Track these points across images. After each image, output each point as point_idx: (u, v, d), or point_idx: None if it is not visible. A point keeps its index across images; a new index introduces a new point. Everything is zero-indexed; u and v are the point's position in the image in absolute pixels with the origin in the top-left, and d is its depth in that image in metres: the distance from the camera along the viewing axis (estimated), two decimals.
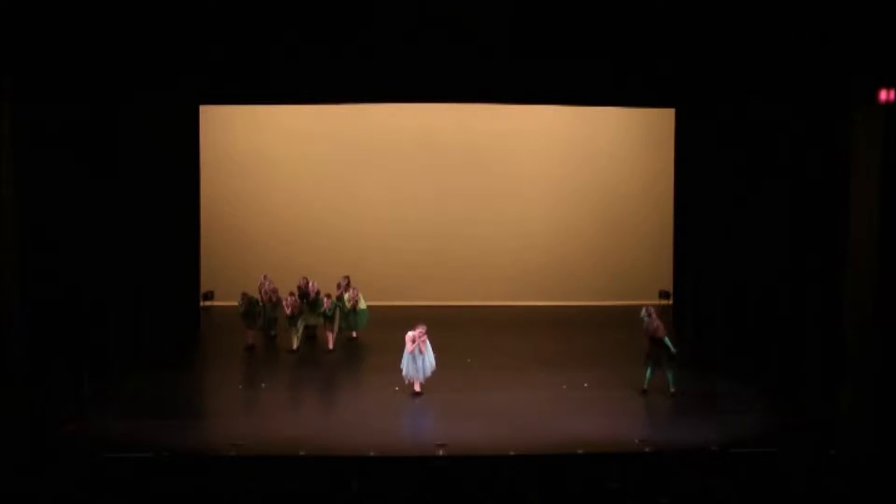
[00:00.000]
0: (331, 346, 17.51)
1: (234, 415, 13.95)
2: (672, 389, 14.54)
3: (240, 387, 15.20)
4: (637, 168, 22.20)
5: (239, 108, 20.98)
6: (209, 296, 21.23)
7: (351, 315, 18.06)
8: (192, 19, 14.05)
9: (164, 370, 16.03)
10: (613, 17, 14.23)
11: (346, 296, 18.01)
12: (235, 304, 17.85)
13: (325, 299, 17.60)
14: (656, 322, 14.55)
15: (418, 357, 14.51)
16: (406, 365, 14.60)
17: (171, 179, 18.19)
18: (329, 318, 17.60)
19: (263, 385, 15.35)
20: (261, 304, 17.99)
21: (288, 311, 17.52)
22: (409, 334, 14.54)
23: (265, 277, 18.54)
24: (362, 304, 18.14)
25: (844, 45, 12.28)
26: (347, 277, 18.40)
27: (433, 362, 14.64)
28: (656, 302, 21.98)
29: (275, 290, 18.29)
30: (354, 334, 18.33)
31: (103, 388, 14.47)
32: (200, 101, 19.11)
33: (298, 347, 17.47)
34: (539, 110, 21.07)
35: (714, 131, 17.54)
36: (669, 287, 21.39)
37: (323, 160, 22.03)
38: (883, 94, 11.64)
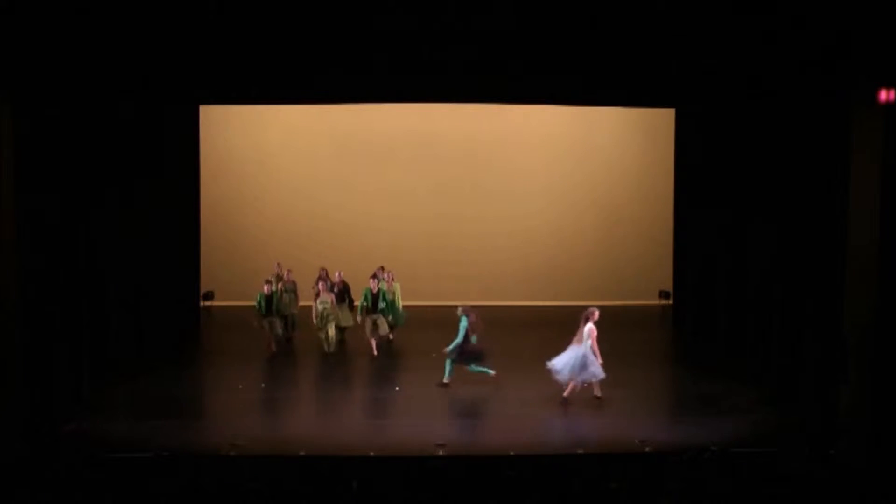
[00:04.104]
0: (375, 351, 17.10)
1: (234, 415, 13.93)
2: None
3: (240, 387, 15.19)
4: (637, 168, 22.23)
5: (239, 108, 20.99)
6: (209, 296, 21.24)
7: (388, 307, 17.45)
8: (192, 19, 14.04)
9: (164, 370, 16.02)
10: (613, 17, 14.22)
11: (382, 284, 17.32)
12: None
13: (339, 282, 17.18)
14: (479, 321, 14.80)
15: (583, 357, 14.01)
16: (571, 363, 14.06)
17: (171, 179, 18.20)
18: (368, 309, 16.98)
19: (263, 385, 15.34)
20: (278, 291, 17.42)
21: (318, 296, 17.08)
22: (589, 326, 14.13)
23: (279, 266, 18.38)
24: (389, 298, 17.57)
25: (844, 45, 12.28)
26: (382, 268, 18.15)
27: (590, 367, 14.08)
28: (656, 302, 22.02)
29: (290, 278, 18.01)
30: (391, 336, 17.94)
31: (103, 388, 14.47)
32: (200, 101, 19.11)
33: (331, 350, 17.13)
34: (539, 110, 21.08)
35: (714, 131, 17.54)
36: (669, 287, 21.38)
37: (323, 160, 22.06)
38: (883, 94, 11.62)
